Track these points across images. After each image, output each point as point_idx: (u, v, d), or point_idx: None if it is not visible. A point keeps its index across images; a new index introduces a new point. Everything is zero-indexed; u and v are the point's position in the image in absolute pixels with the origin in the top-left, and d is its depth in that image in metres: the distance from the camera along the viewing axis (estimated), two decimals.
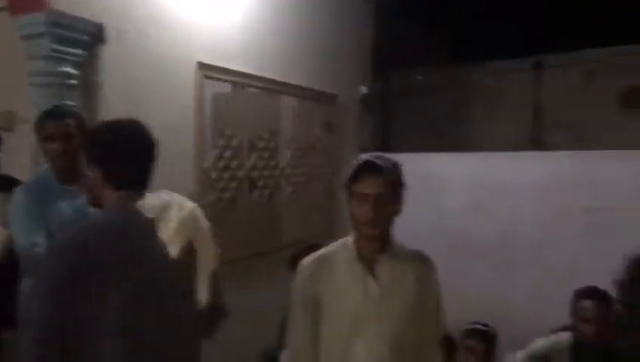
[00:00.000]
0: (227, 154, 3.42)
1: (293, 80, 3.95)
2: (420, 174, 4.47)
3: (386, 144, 5.91)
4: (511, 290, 4.00)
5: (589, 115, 5.31)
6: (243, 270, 3.48)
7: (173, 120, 3.02)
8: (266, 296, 3.32)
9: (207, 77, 3.27)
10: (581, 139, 5.18)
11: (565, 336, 2.60)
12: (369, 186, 1.70)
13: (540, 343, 2.70)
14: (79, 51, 2.55)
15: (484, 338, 2.89)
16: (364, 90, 4.53)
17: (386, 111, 6.19)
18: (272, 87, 3.79)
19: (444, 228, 4.25)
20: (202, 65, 3.22)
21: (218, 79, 3.35)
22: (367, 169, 1.71)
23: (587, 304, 2.48)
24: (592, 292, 2.50)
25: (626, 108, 5.21)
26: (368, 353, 1.71)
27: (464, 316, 3.15)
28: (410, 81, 6.23)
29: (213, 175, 3.32)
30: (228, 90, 3.45)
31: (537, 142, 5.62)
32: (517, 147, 5.18)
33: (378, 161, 1.72)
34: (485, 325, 2.98)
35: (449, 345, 2.67)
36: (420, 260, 1.84)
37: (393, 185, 1.73)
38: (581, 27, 5.61)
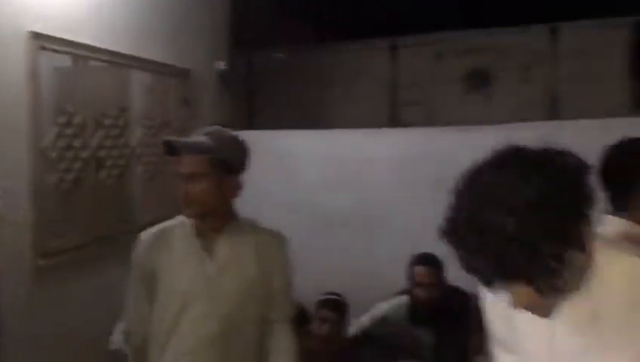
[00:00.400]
0: (69, 132, 3.19)
1: (145, 54, 3.77)
2: (277, 151, 4.53)
3: (249, 122, 5.87)
4: (369, 259, 4.17)
5: (438, 93, 5.65)
6: (91, 254, 3.30)
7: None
8: (117, 281, 3.16)
9: (44, 48, 3.01)
10: (432, 116, 5.50)
11: (403, 299, 2.77)
12: (183, 165, 1.65)
13: (380, 307, 2.86)
14: None
15: (336, 307, 3.00)
16: (221, 65, 4.45)
17: (249, 88, 6.13)
18: (121, 61, 3.59)
19: (303, 204, 4.33)
20: (37, 36, 2.96)
21: (58, 51, 3.10)
22: (182, 147, 1.65)
23: (420, 269, 2.65)
24: (424, 258, 2.67)
25: (469, 88, 5.61)
26: (195, 334, 1.65)
27: (325, 287, 3.25)
28: (273, 60, 6.21)
29: (53, 155, 3.08)
30: (69, 63, 3.21)
31: (394, 120, 5.88)
32: (376, 125, 5.38)
33: (194, 139, 1.67)
34: (338, 294, 3.09)
35: (301, 316, 2.73)
36: (266, 237, 1.80)
37: (213, 164, 1.66)
38: (433, 10, 5.94)
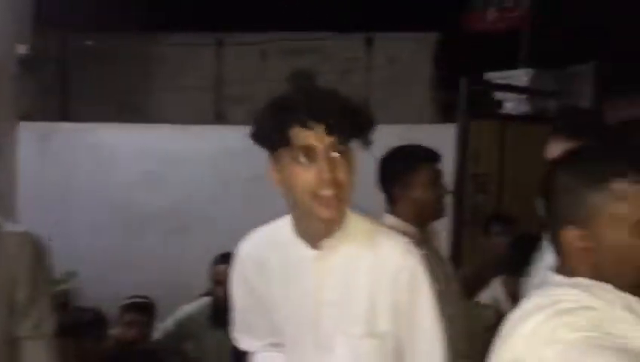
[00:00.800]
0: None
1: None
2: (93, 145, 4.27)
3: (63, 113, 5.44)
4: (185, 257, 4.10)
5: (264, 92, 5.74)
6: None
7: None
8: None
9: None
10: None
11: (206, 300, 2.77)
12: None
13: (184, 309, 2.83)
14: None
15: (143, 310, 2.90)
16: (23, 49, 4.05)
17: (62, 77, 5.69)
18: None
19: (115, 201, 4.13)
20: None
21: None
22: None
23: (220, 268, 2.66)
24: (224, 257, 2.67)
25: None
26: None
27: (139, 288, 3.12)
28: (92, 47, 5.83)
29: None
30: None
31: (220, 117, 5.86)
32: (201, 121, 5.31)
33: None
34: (144, 297, 2.99)
35: (98, 323, 2.58)
36: (9, 238, 1.55)
37: None
38: (259, 10, 6.01)
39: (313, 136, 1.18)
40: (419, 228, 1.89)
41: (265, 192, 4.31)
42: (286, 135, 1.18)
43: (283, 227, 1.35)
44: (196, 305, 2.84)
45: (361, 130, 1.24)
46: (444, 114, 5.21)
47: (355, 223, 1.31)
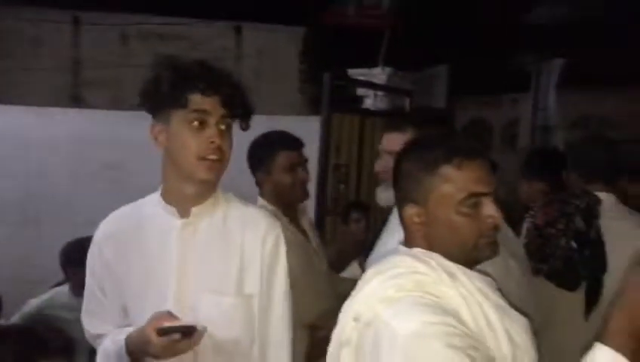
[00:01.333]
0: None
1: None
2: None
3: None
4: (37, 248, 3.85)
5: (126, 77, 5.50)
6: None
7: None
8: None
9: None
10: (117, 100, 5.33)
11: (60, 289, 2.67)
12: None
13: (32, 302, 2.70)
14: None
15: None
16: None
17: None
18: None
19: None
20: None
21: None
22: None
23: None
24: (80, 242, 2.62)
25: None
26: None
27: None
28: None
29: None
30: None
31: (76, 100, 5.53)
32: (56, 102, 4.98)
33: None
34: None
35: None
36: None
37: None
38: None
39: (209, 104, 1.30)
40: (284, 209, 2.04)
41: (127, 180, 4.21)
42: (184, 98, 1.29)
43: (147, 203, 1.42)
44: (46, 298, 2.71)
45: (246, 112, 1.37)
46: (311, 107, 5.36)
47: (225, 196, 1.44)
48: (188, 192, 1.37)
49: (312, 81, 5.55)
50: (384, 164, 1.63)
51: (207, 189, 1.38)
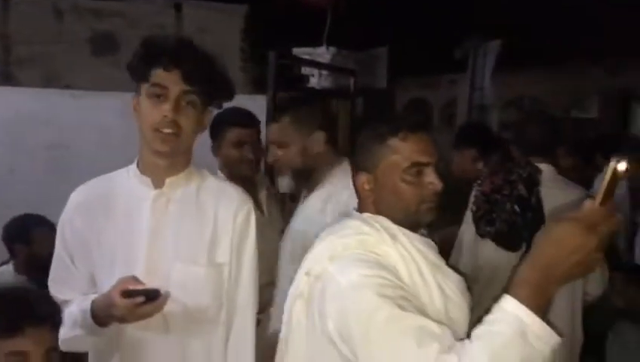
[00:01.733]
0: None
1: None
2: None
3: None
4: None
5: (59, 54, 5.28)
6: None
7: None
8: None
9: None
10: (51, 78, 5.11)
11: (4, 270, 2.61)
12: None
13: None
14: None
15: None
16: None
17: None
18: None
19: None
20: None
21: None
22: None
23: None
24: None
25: (95, 52, 5.42)
26: None
27: None
28: None
29: None
30: None
31: (7, 78, 5.26)
32: None
33: None
34: None
35: None
36: None
37: None
38: None
39: (169, 79, 1.34)
40: (236, 181, 2.08)
41: (69, 160, 4.08)
42: (148, 72, 1.35)
43: (122, 174, 1.47)
44: None
45: (214, 90, 1.42)
46: (254, 85, 5.33)
47: (200, 171, 1.50)
48: (158, 164, 1.41)
49: (255, 60, 5.51)
50: (272, 154, 1.78)
51: (178, 162, 1.43)
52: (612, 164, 0.95)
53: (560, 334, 0.98)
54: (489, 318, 1.00)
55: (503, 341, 0.96)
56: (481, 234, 2.09)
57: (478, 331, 1.00)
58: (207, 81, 1.37)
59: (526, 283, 0.98)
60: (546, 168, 2.14)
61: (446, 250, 2.39)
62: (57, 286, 1.46)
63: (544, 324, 0.97)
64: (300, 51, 4.79)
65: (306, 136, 1.84)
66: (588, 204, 0.97)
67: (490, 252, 2.10)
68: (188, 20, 5.62)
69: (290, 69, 4.63)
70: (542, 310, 0.97)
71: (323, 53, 4.85)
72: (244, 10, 5.71)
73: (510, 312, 0.97)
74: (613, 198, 0.97)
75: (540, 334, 0.95)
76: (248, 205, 1.48)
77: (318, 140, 1.95)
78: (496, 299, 1.02)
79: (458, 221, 2.38)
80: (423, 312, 1.12)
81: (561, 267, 0.96)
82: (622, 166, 0.94)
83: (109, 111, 3.85)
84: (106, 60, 5.42)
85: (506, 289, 1.00)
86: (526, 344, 0.94)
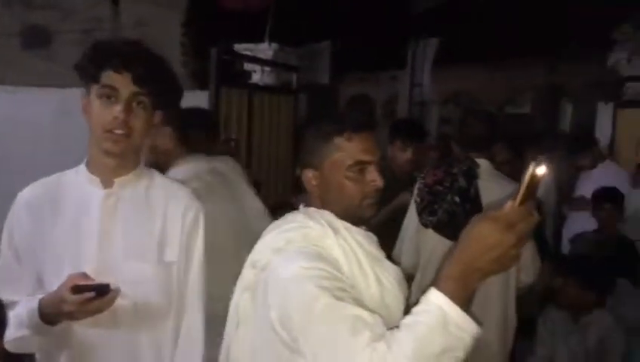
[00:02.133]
0: None
1: None
2: None
3: None
4: None
5: None
6: None
7: None
8: None
9: None
10: None
11: None
12: None
13: None
14: None
15: None
16: None
17: None
18: None
19: None
20: None
21: None
22: None
23: None
24: None
25: (26, 45, 5.21)
26: None
27: None
28: None
29: None
30: None
31: None
32: None
33: None
34: None
35: None
36: None
37: None
38: None
39: (120, 81, 1.34)
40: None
41: (2, 155, 3.90)
42: (98, 73, 1.34)
43: (70, 173, 1.45)
44: None
45: (163, 92, 1.42)
46: (194, 81, 5.25)
47: (149, 171, 1.51)
48: (108, 164, 1.41)
49: (195, 55, 5.43)
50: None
51: (128, 162, 1.42)
52: (532, 167, 0.98)
53: (479, 323, 1.05)
54: (416, 309, 1.07)
55: (427, 330, 1.03)
56: (424, 223, 2.18)
57: (405, 320, 1.08)
58: (157, 83, 1.38)
59: (449, 276, 1.04)
60: (483, 163, 2.25)
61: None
62: (2, 287, 1.42)
63: (465, 314, 1.03)
64: (242, 47, 4.77)
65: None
66: (508, 204, 1.02)
67: (431, 240, 2.19)
68: (126, 14, 5.47)
69: (232, 64, 4.60)
70: (464, 301, 1.04)
71: (265, 50, 4.85)
72: (185, 4, 5.62)
73: (434, 303, 1.04)
74: (533, 199, 1.02)
75: (461, 324, 1.02)
76: (197, 205, 1.50)
77: (164, 136, 2.02)
78: (424, 291, 1.08)
79: None
80: (359, 302, 1.18)
81: (480, 262, 1.02)
82: (541, 170, 0.98)
83: (35, 107, 3.77)
84: (39, 54, 5.22)
85: (433, 282, 1.07)
86: (448, 333, 1.02)
